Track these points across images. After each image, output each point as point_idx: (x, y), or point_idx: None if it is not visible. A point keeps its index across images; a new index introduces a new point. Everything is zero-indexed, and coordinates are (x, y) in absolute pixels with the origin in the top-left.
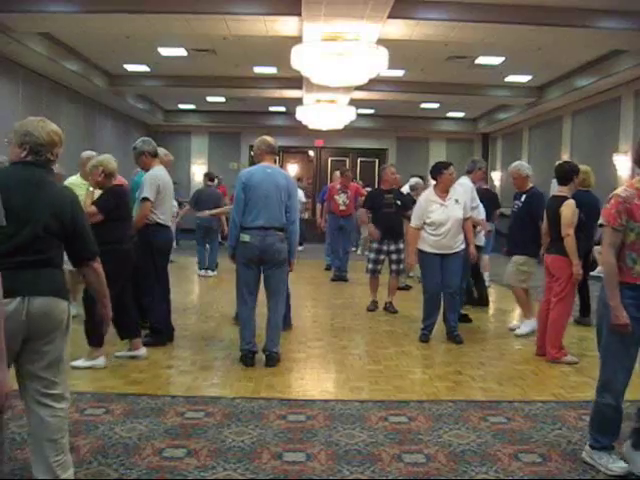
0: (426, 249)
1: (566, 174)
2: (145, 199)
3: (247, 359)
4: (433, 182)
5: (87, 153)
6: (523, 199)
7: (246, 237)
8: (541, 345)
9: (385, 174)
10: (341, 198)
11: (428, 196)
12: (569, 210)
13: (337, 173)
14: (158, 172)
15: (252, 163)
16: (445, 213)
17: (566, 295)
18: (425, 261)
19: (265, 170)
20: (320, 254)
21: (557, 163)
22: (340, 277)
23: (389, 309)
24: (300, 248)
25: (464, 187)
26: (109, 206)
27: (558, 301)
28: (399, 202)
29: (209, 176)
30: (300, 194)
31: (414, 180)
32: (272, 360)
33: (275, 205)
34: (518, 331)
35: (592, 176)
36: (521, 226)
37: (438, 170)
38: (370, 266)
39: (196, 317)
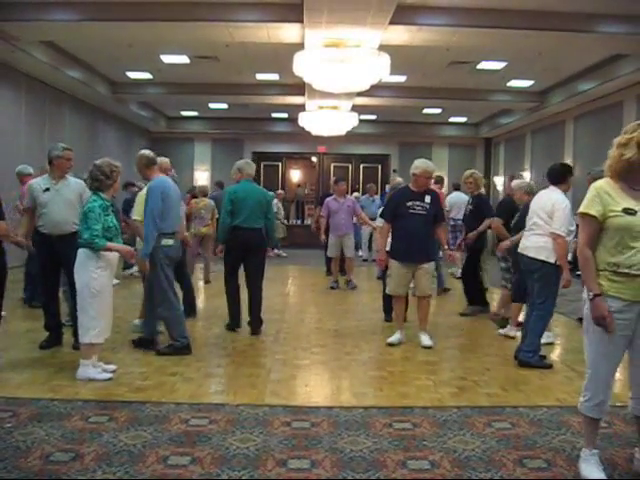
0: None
1: None
2: None
3: (190, 348)
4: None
5: (161, 159)
6: (429, 200)
7: (170, 241)
8: None
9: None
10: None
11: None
12: None
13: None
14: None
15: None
16: None
17: None
18: (559, 277)
19: (170, 181)
20: (320, 259)
21: None
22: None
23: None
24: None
25: None
26: None
27: None
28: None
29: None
30: None
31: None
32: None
33: (179, 212)
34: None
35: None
36: (431, 229)
37: (569, 172)
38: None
39: (199, 324)
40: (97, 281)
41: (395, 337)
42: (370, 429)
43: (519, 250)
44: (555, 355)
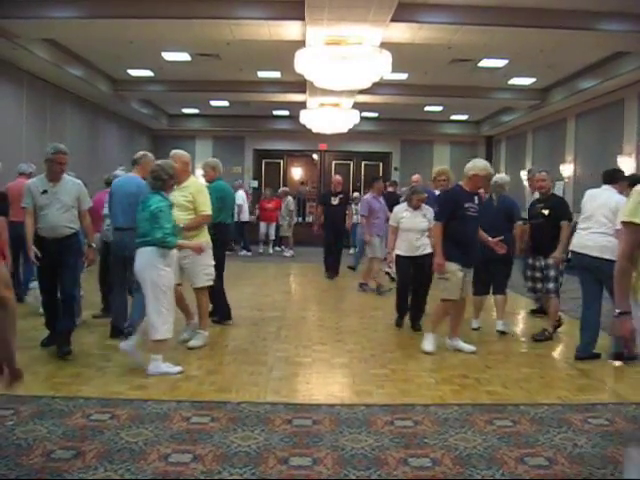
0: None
1: None
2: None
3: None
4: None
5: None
6: (477, 201)
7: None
8: None
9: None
10: None
11: None
12: None
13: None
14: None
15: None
16: None
17: None
18: None
19: (125, 179)
20: (320, 257)
21: None
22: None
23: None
24: (244, 253)
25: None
26: None
27: None
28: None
29: None
30: (239, 195)
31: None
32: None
33: (124, 207)
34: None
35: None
36: (477, 231)
37: (622, 175)
38: (529, 284)
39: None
40: (165, 278)
41: (430, 343)
42: (371, 427)
43: (575, 249)
44: (556, 353)
